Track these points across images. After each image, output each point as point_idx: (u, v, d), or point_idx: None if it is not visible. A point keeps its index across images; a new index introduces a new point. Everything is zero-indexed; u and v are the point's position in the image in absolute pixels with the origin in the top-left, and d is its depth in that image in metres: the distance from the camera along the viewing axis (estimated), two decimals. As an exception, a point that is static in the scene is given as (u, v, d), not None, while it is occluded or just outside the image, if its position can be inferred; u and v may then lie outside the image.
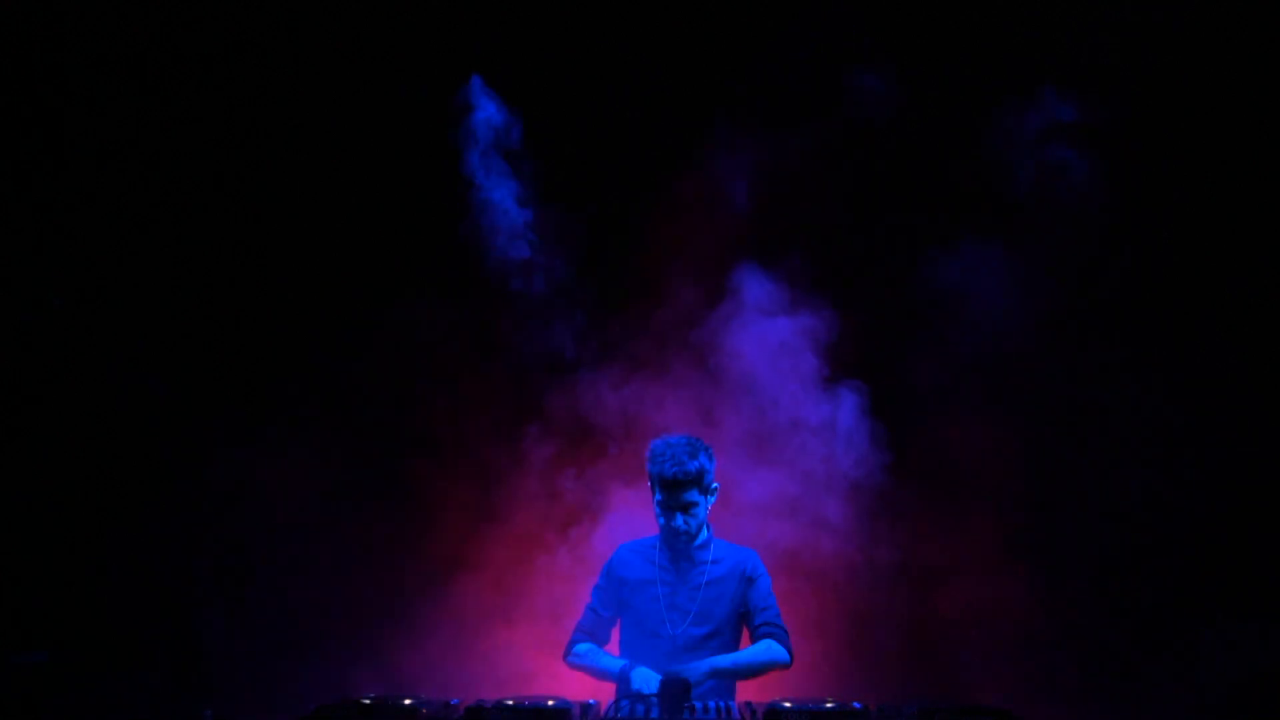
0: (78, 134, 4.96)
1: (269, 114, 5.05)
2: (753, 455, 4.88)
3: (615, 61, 5.06)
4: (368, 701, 3.36)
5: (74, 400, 4.94)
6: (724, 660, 3.92)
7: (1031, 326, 4.95)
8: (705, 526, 4.08)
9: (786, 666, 3.97)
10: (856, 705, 3.34)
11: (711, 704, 3.49)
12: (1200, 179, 4.87)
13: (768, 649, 3.96)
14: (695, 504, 3.96)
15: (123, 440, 4.98)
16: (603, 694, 3.90)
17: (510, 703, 3.30)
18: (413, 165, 5.05)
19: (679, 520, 3.96)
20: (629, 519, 4.76)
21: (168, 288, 5.04)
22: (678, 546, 4.03)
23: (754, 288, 4.90)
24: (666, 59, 5.05)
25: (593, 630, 4.12)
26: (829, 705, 3.33)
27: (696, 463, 3.92)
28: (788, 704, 3.31)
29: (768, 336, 4.87)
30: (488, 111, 4.86)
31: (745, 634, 4.09)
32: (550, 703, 3.30)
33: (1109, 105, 4.85)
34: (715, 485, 4.03)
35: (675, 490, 3.92)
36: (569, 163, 5.05)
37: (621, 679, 3.86)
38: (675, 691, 3.40)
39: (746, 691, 3.98)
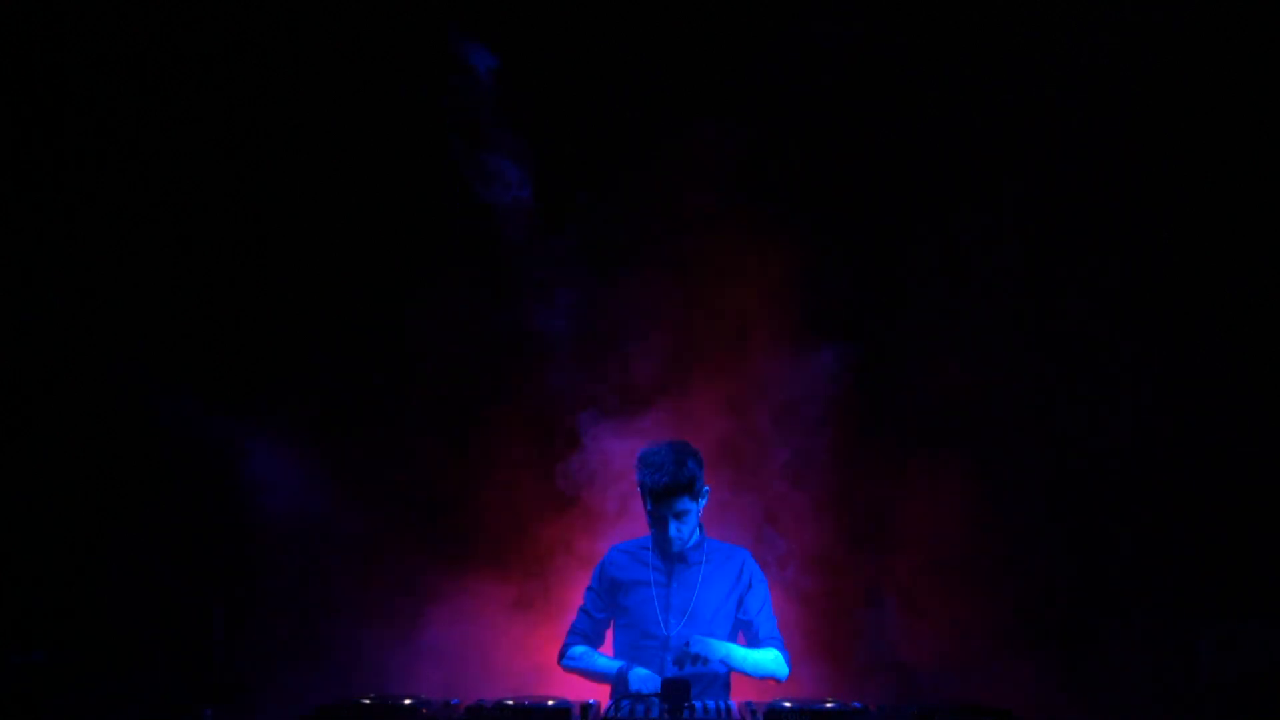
0: (78, 134, 4.95)
1: (270, 111, 5.04)
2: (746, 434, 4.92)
3: (610, 44, 5.04)
4: (368, 701, 3.37)
5: (74, 400, 4.94)
6: (738, 649, 3.94)
7: (1033, 321, 4.96)
8: (697, 528, 4.08)
9: (782, 681, 4.01)
10: (856, 705, 3.35)
11: (711, 704, 3.49)
12: (1193, 153, 4.88)
13: (774, 660, 3.98)
14: (687, 511, 3.94)
15: (123, 440, 4.97)
16: (601, 695, 3.91)
17: (510, 703, 3.31)
18: (414, 157, 5.06)
19: (672, 528, 3.94)
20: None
21: (168, 285, 5.03)
22: (670, 550, 4.03)
23: (738, 249, 4.94)
24: (661, 34, 5.03)
25: (587, 632, 4.13)
26: (829, 705, 3.34)
27: (686, 471, 3.88)
28: (788, 704, 3.32)
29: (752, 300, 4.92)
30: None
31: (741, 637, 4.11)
32: (550, 703, 3.31)
33: (1105, 89, 4.87)
34: (706, 489, 4.01)
35: (666, 499, 3.90)
36: (561, 136, 5.07)
37: (619, 680, 3.86)
38: (676, 692, 3.41)
39: (747, 691, 3.99)
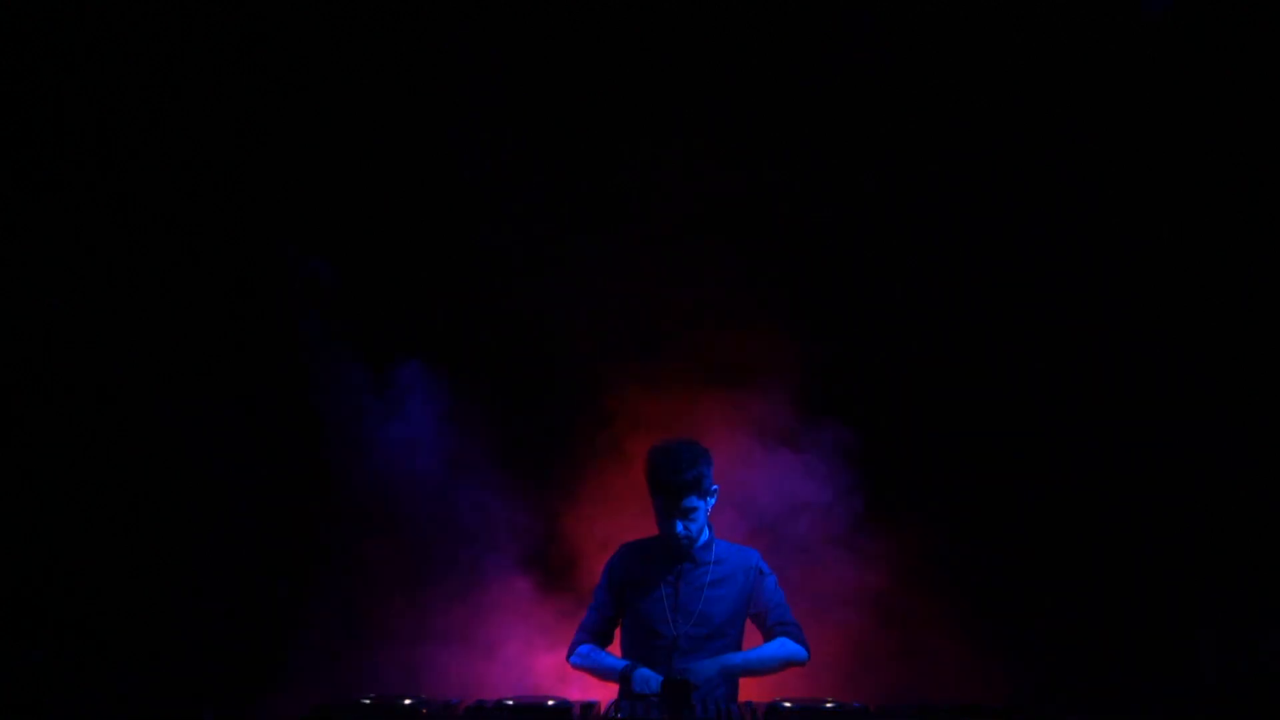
0: (78, 133, 4.95)
1: (273, 110, 5.05)
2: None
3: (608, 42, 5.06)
4: (368, 701, 3.38)
5: (74, 400, 4.94)
6: (734, 657, 3.93)
7: (1033, 311, 4.97)
8: (706, 527, 4.08)
9: (804, 663, 3.98)
10: (856, 705, 3.35)
11: (711, 704, 3.49)
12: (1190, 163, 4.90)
13: (782, 646, 3.97)
14: (694, 510, 3.94)
15: (123, 439, 4.97)
16: (604, 694, 3.91)
17: (510, 702, 3.31)
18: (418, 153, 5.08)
19: (679, 527, 3.95)
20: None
21: (165, 289, 5.03)
22: (679, 549, 4.03)
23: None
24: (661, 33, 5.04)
25: (595, 630, 4.13)
26: (829, 705, 3.34)
27: (694, 470, 3.89)
28: (788, 704, 3.32)
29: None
30: None
31: (749, 634, 4.09)
32: (550, 703, 3.32)
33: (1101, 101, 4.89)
34: (714, 488, 4.01)
35: (674, 498, 3.91)
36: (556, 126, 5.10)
37: (624, 679, 3.87)
38: (676, 693, 3.41)
39: (747, 691, 3.99)
